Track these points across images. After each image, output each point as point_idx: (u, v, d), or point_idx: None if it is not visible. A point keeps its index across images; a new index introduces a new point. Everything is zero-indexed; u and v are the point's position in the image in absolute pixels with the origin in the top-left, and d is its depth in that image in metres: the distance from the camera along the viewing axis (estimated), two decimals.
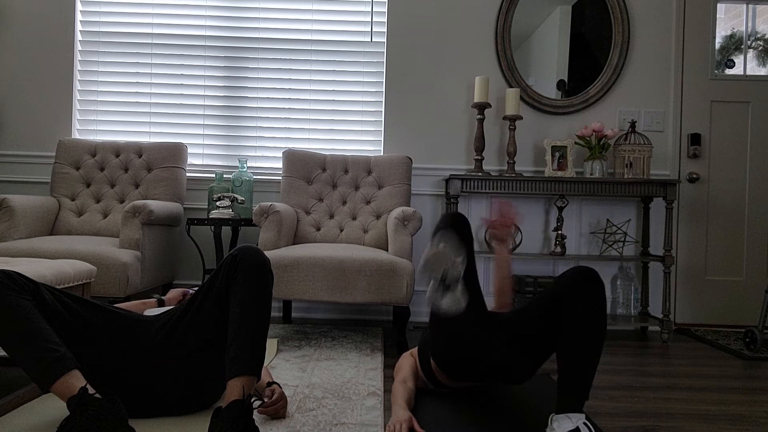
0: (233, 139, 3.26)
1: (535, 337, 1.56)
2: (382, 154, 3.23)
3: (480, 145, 3.00)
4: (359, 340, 2.57)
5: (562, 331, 1.44)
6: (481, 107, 2.99)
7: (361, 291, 2.34)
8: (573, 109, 3.20)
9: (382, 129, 3.24)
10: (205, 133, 3.26)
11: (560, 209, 3.04)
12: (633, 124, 3.01)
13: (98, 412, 1.16)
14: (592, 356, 1.40)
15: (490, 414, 1.64)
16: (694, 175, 3.20)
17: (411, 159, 3.08)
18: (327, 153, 3.11)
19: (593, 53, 3.22)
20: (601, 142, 2.98)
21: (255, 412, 1.52)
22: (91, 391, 1.21)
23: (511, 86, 3.19)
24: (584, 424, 1.33)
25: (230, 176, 3.16)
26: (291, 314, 3.07)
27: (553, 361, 2.33)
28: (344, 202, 2.98)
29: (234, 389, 1.26)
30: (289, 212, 2.72)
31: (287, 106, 3.26)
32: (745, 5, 3.25)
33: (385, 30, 3.23)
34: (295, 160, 2.98)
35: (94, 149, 3.00)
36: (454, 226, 1.58)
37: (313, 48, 3.25)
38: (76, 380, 1.23)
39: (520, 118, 2.97)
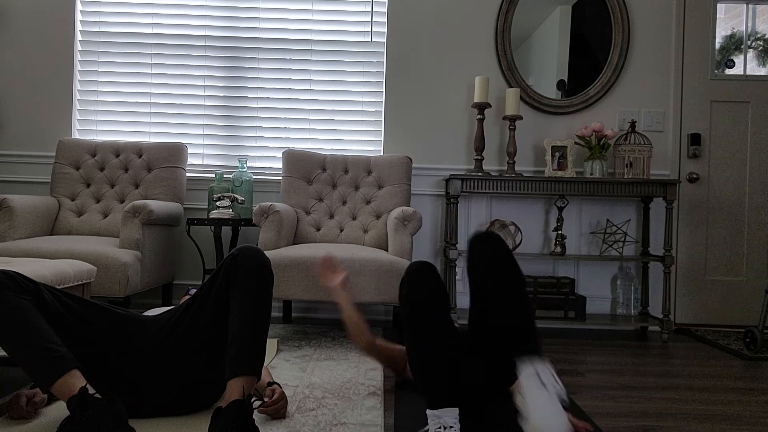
0: (233, 139, 3.26)
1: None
2: (382, 154, 3.22)
3: (480, 145, 3.00)
4: None
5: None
6: (481, 107, 2.99)
7: (361, 291, 2.34)
8: (573, 109, 3.20)
9: (382, 129, 3.24)
10: (205, 133, 3.26)
11: (560, 209, 3.04)
12: (633, 124, 3.01)
13: (98, 412, 1.17)
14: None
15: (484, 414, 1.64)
16: (694, 175, 3.20)
17: (411, 159, 3.08)
18: (327, 153, 3.11)
19: (593, 53, 3.22)
20: (601, 142, 2.98)
21: (255, 412, 1.52)
22: (91, 391, 1.21)
23: (511, 86, 3.19)
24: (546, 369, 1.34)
25: (230, 176, 3.16)
26: (291, 314, 3.07)
27: (551, 360, 2.33)
28: (344, 202, 2.98)
29: (234, 389, 1.26)
30: (289, 212, 2.72)
31: (287, 106, 3.26)
32: (745, 5, 3.25)
33: (385, 30, 3.23)
34: (295, 160, 2.98)
35: (94, 149, 3.00)
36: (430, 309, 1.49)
37: (313, 48, 3.25)
38: (77, 380, 1.23)
39: (520, 118, 2.97)
